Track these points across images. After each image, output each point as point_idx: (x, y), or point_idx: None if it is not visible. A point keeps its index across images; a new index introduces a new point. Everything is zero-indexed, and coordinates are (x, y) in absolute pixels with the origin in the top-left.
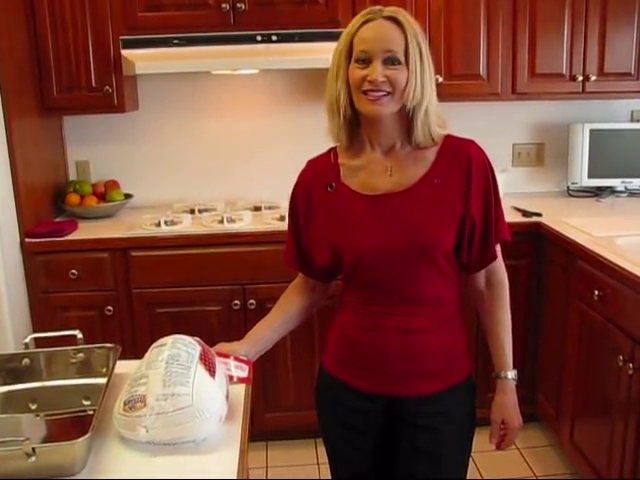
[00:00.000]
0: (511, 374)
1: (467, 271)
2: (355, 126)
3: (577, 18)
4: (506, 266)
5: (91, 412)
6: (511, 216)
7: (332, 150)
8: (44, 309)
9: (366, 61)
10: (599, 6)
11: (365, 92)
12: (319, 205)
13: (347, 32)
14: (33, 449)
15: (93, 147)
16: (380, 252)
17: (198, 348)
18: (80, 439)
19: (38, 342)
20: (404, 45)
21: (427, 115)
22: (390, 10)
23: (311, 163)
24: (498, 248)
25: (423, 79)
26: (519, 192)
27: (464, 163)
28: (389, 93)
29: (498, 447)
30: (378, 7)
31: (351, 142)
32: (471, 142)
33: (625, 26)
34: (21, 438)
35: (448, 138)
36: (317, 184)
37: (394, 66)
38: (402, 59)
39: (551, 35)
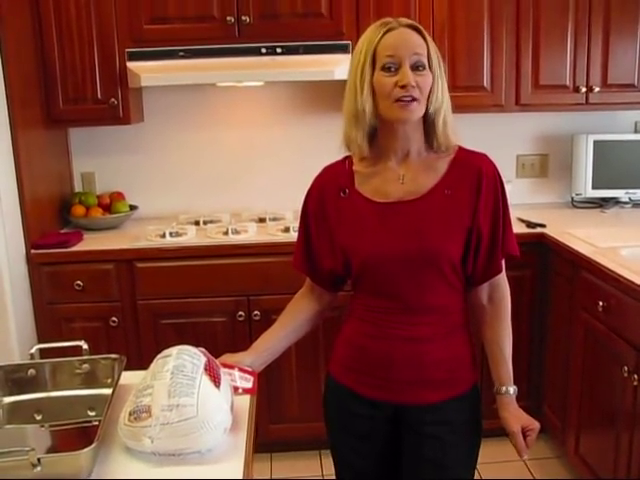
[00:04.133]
0: (513, 389)
1: (471, 283)
2: (373, 135)
3: (580, 29)
4: (510, 277)
5: (96, 423)
6: (515, 227)
7: (347, 158)
8: (49, 320)
9: (393, 67)
10: (602, 17)
11: (397, 100)
12: (331, 209)
13: (367, 43)
14: (39, 459)
15: (98, 159)
16: (387, 259)
17: (203, 359)
18: (85, 449)
19: (43, 353)
20: (427, 50)
21: (445, 119)
22: (407, 20)
23: (327, 169)
24: (503, 263)
25: (443, 85)
26: (523, 203)
27: (475, 176)
28: (417, 99)
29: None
30: (392, 19)
31: (367, 151)
32: (483, 155)
33: (628, 37)
34: (27, 448)
35: (461, 150)
36: (331, 189)
37: (420, 71)
38: (426, 64)
39: (554, 47)
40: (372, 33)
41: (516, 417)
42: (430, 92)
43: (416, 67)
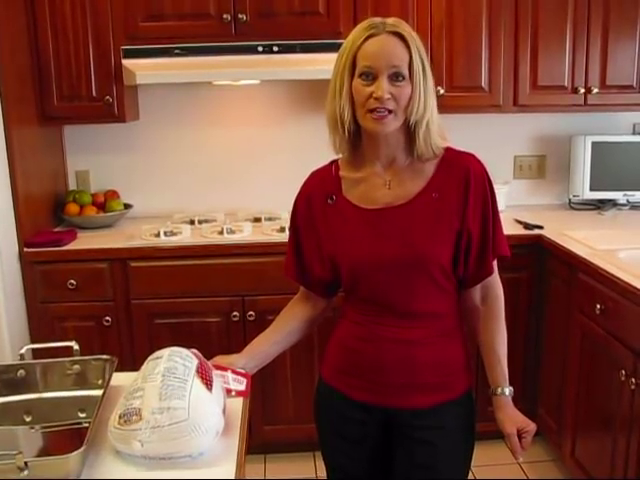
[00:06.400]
0: (508, 390)
1: (463, 285)
2: (357, 140)
3: (579, 30)
4: (507, 279)
5: (86, 425)
6: (512, 229)
7: (334, 162)
8: (42, 319)
9: (370, 77)
10: (601, 18)
11: (370, 110)
12: (319, 217)
13: (350, 46)
14: (26, 463)
15: (93, 157)
16: (376, 265)
17: (195, 361)
18: (73, 453)
19: (35, 353)
20: (408, 60)
21: (429, 128)
22: (392, 24)
23: (314, 174)
24: (494, 263)
25: (426, 93)
26: (520, 204)
27: (462, 177)
28: (392, 111)
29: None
30: (379, 19)
31: (353, 155)
32: (470, 156)
33: (627, 38)
34: (14, 452)
35: (448, 151)
36: (318, 196)
37: (399, 82)
38: (406, 74)
39: (553, 47)
40: (355, 35)
41: (512, 419)
42: (409, 102)
43: (395, 77)
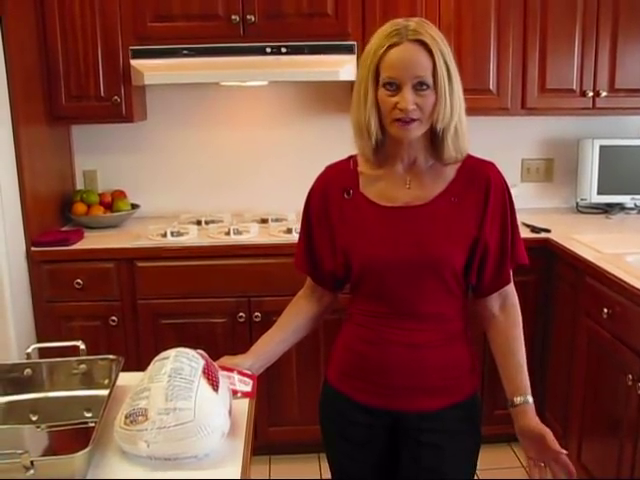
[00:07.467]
0: (531, 398)
1: (479, 294)
2: (382, 144)
3: (588, 33)
4: (514, 282)
5: (92, 424)
6: (520, 232)
7: (352, 157)
8: (49, 318)
9: (394, 86)
10: (610, 22)
11: (396, 119)
12: (334, 210)
13: (372, 55)
14: (32, 462)
15: (101, 156)
16: (388, 263)
17: (201, 362)
18: (79, 453)
19: (41, 352)
20: (432, 68)
21: (457, 133)
22: (414, 30)
23: (330, 168)
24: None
25: (452, 99)
26: (528, 207)
27: (483, 185)
28: (418, 120)
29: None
30: (402, 22)
31: (374, 154)
32: (491, 164)
33: (636, 42)
34: (20, 451)
35: (469, 158)
36: (334, 189)
37: (423, 91)
38: (430, 82)
39: (561, 50)
40: (378, 43)
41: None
42: (434, 109)
43: (419, 86)
